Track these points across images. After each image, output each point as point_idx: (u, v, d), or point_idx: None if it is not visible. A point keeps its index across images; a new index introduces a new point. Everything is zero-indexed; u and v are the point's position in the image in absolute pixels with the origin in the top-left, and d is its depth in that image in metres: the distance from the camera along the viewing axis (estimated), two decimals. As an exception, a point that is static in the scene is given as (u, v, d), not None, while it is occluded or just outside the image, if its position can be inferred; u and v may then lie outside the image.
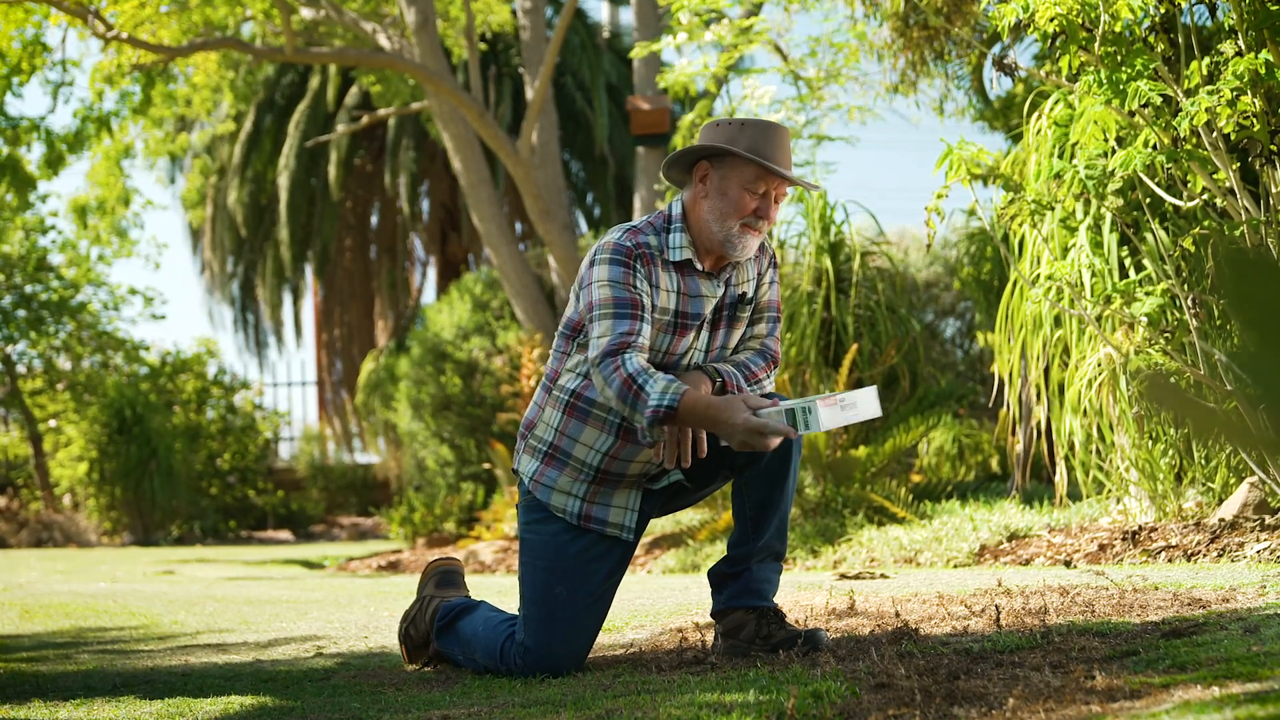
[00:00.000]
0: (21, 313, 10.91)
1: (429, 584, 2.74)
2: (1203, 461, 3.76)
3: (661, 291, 2.39)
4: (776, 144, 2.38)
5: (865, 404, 2.25)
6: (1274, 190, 3.38)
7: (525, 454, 2.51)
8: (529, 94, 8.19)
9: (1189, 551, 3.38)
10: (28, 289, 11.04)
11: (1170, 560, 3.39)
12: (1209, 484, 3.75)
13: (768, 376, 2.50)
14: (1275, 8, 3.17)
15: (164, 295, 11.97)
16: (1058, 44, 3.39)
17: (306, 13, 8.42)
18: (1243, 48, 3.23)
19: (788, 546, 2.59)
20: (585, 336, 2.42)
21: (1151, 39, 3.44)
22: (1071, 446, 4.13)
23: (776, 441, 2.19)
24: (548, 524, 2.48)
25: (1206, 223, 3.48)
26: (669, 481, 2.49)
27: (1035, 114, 4.19)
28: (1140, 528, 3.65)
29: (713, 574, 2.50)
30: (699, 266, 2.42)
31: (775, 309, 2.55)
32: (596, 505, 2.46)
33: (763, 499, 2.42)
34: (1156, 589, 2.71)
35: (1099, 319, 3.79)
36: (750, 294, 2.50)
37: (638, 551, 5.25)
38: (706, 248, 2.42)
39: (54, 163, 9.26)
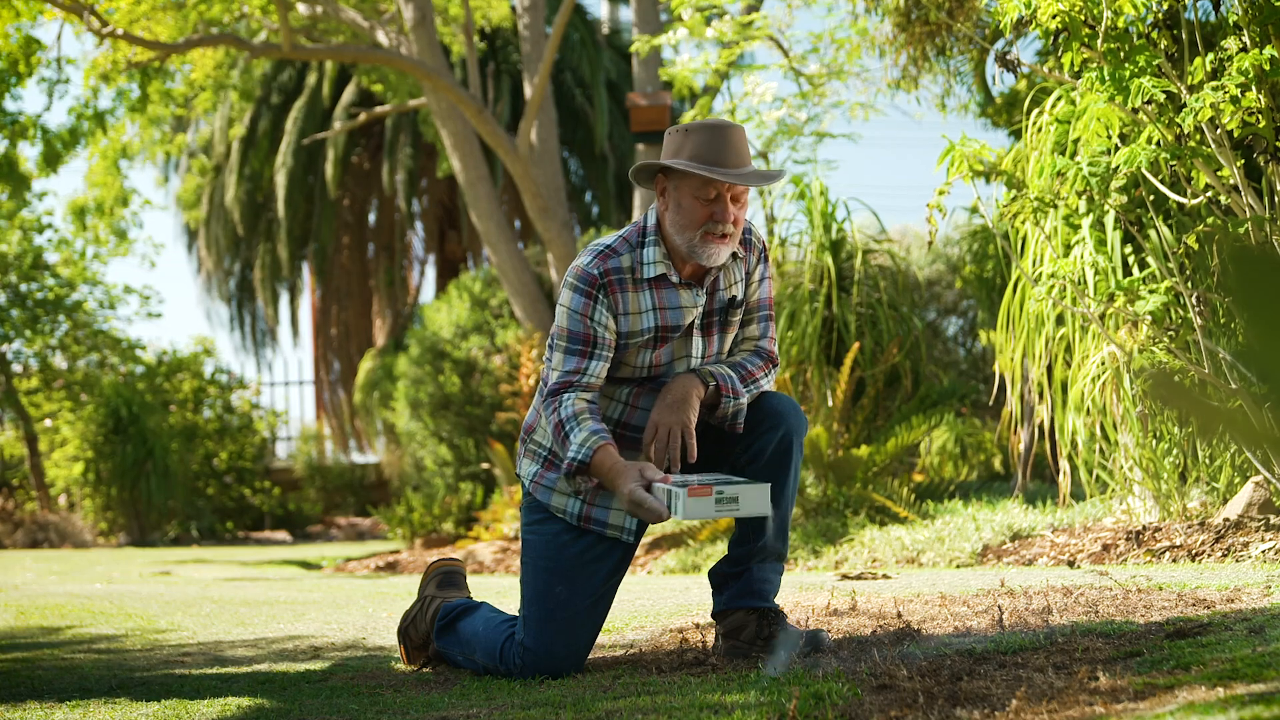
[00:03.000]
0: (16, 311, 10.87)
1: (430, 584, 2.73)
2: (1207, 461, 3.74)
3: (633, 316, 2.38)
4: (722, 145, 2.35)
5: (749, 501, 2.24)
6: (1279, 187, 3.35)
7: (525, 458, 2.52)
8: (528, 91, 8.17)
9: (1193, 551, 3.37)
10: (23, 287, 11.00)
11: (1174, 560, 3.37)
12: (1213, 483, 3.73)
13: (766, 376, 2.47)
14: (1279, 3, 3.15)
15: (160, 294, 11.96)
16: (1060, 40, 3.37)
17: (304, 9, 8.40)
18: (1247, 43, 3.21)
19: (789, 547, 2.57)
20: None
21: (1154, 35, 3.42)
22: (1075, 446, 4.11)
23: (656, 518, 2.23)
24: (548, 524, 2.47)
25: (1211, 220, 3.45)
26: None
27: (1037, 111, 4.17)
28: (1144, 528, 3.63)
29: (713, 574, 2.48)
30: (674, 279, 2.40)
31: (767, 306, 2.52)
32: (596, 507, 2.45)
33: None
34: (1160, 589, 2.70)
35: (1102, 317, 3.77)
36: (740, 296, 2.47)
37: (638, 552, 5.24)
38: (681, 258, 2.41)
39: (51, 160, 9.23)
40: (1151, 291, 3.49)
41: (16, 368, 11.09)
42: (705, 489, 2.20)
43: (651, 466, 2.27)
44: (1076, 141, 3.69)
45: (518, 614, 2.53)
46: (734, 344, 2.51)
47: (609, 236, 2.46)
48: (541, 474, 2.47)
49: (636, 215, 8.80)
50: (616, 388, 2.44)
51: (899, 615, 2.61)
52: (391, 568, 6.55)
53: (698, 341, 2.44)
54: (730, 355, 2.50)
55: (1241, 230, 3.31)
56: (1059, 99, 4.00)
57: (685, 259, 2.41)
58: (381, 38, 8.10)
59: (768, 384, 2.48)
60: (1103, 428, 4.01)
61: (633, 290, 2.38)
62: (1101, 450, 4.04)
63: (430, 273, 14.47)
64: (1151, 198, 3.68)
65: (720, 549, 4.80)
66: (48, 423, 10.91)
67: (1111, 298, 3.55)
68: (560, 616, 2.42)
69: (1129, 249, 3.90)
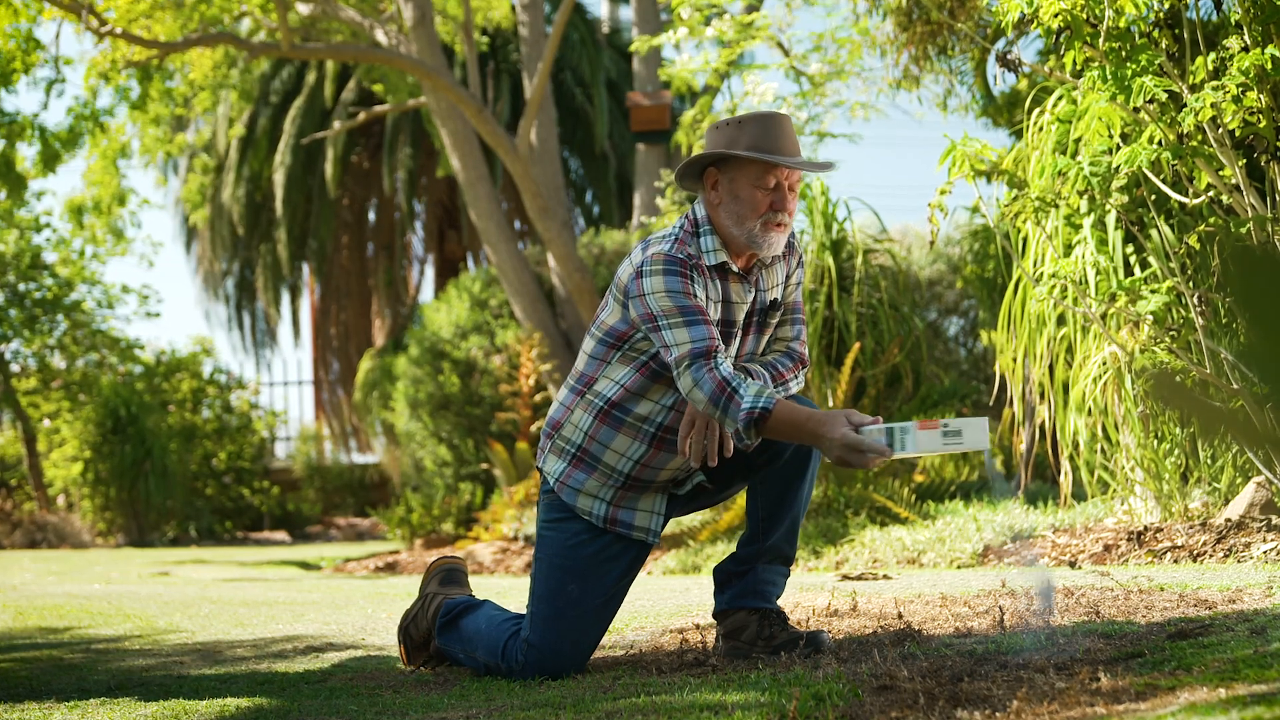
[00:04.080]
0: (15, 311, 10.86)
1: (433, 581, 2.72)
2: (1209, 461, 3.73)
3: (710, 303, 2.37)
4: (778, 134, 2.35)
5: (972, 434, 2.19)
6: (1280, 187, 3.35)
7: (551, 454, 2.47)
8: (527, 90, 8.16)
9: (1195, 552, 3.36)
10: (21, 287, 10.99)
11: (1176, 561, 3.36)
12: (1215, 484, 3.72)
13: (795, 378, 2.47)
14: (1281, 2, 3.14)
15: (158, 294, 11.95)
16: (1062, 39, 3.37)
17: (303, 8, 8.39)
18: (1249, 43, 3.21)
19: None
20: (632, 348, 2.38)
21: (1156, 34, 3.42)
22: (1076, 446, 4.10)
23: (876, 461, 2.15)
24: (569, 523, 2.46)
25: (1212, 219, 3.44)
26: (693, 484, 2.47)
27: (1039, 110, 4.16)
28: (1145, 528, 3.62)
29: (718, 571, 2.48)
30: (734, 268, 2.39)
31: (800, 309, 2.53)
32: (623, 509, 2.44)
33: (776, 500, 2.40)
34: (1162, 590, 2.69)
35: (1103, 317, 3.76)
36: (779, 298, 2.47)
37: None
38: (735, 250, 2.40)
39: (49, 161, 9.22)
40: (1153, 291, 3.48)
41: (15, 368, 11.08)
42: (932, 422, 2.15)
43: (856, 412, 2.21)
44: (1078, 141, 3.69)
45: (522, 612, 2.53)
46: (767, 344, 2.50)
47: (664, 230, 2.44)
48: (569, 474, 2.44)
49: (637, 215, 8.79)
50: (665, 391, 2.39)
51: (900, 616, 2.60)
52: (391, 568, 6.54)
53: (736, 340, 2.43)
54: (763, 355, 2.49)
55: (1243, 230, 3.30)
56: (1060, 98, 3.99)
57: (740, 251, 2.39)
58: (381, 37, 8.09)
59: (795, 386, 2.47)
60: (1104, 428, 4.00)
61: (706, 278, 2.37)
62: (1103, 451, 4.03)
63: (430, 272, 14.46)
64: (1153, 197, 3.67)
65: (720, 549, 4.79)
66: (46, 423, 10.89)
67: (1113, 298, 3.54)
68: (569, 615, 2.41)
69: (1130, 249, 3.89)
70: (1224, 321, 3.58)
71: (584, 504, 2.44)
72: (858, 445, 2.14)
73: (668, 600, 3.42)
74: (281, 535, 11.06)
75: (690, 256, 2.34)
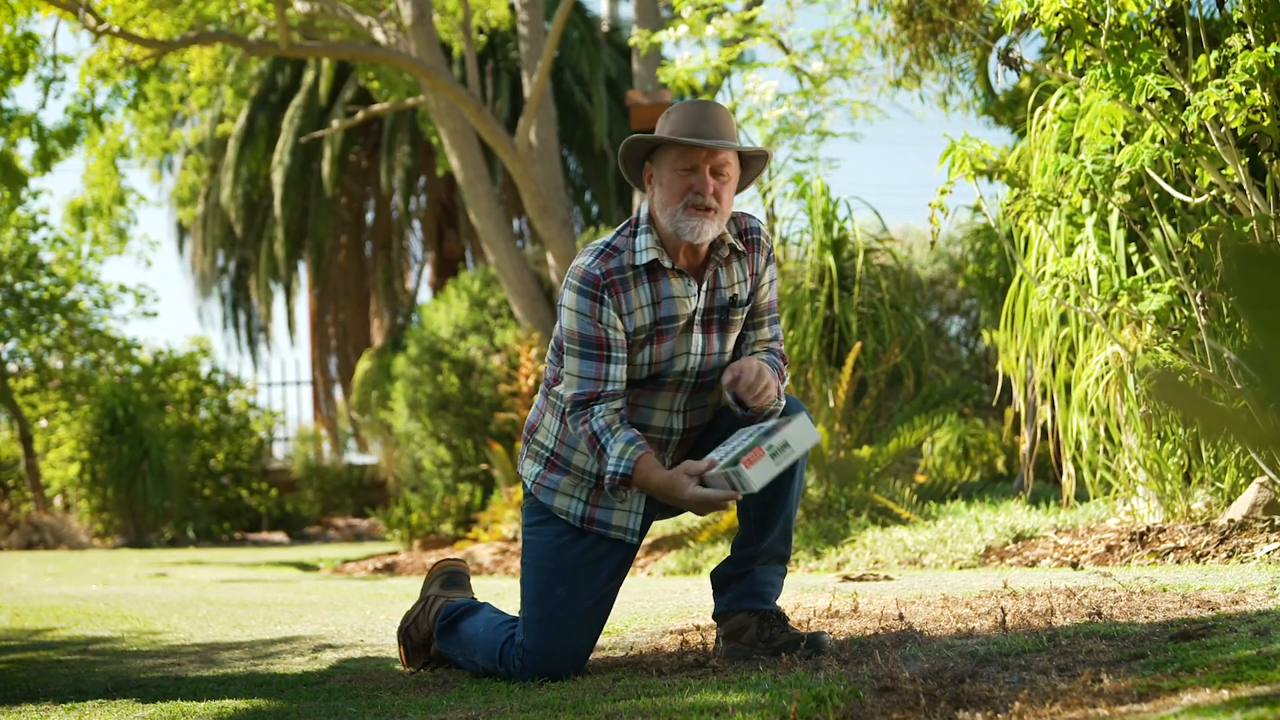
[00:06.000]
0: (11, 311, 10.83)
1: (434, 584, 2.71)
2: (1211, 461, 3.72)
3: (636, 312, 2.37)
4: (700, 119, 2.34)
5: (798, 437, 2.20)
6: (1283, 186, 3.33)
7: (528, 458, 2.51)
8: (527, 89, 8.14)
9: (1197, 553, 3.35)
10: (18, 287, 10.97)
11: (1178, 562, 3.35)
12: (1218, 484, 3.71)
13: (783, 378, 2.48)
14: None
15: (155, 293, 11.91)
16: (1063, 38, 3.35)
17: (301, 6, 8.37)
18: (1251, 41, 3.19)
19: (791, 549, 2.56)
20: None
21: (1158, 33, 3.41)
22: (1078, 446, 4.09)
23: (731, 503, 2.23)
24: (549, 525, 2.46)
25: (1215, 218, 3.43)
26: None
27: (1040, 109, 4.15)
28: (1148, 529, 3.61)
29: (715, 575, 2.46)
30: (667, 265, 2.38)
31: (774, 310, 2.52)
32: (600, 508, 2.44)
33: (767, 503, 2.38)
34: (1164, 591, 2.68)
35: (1106, 316, 3.75)
36: (742, 296, 2.44)
37: (638, 553, 5.20)
38: (674, 245, 2.39)
39: (46, 159, 9.21)
40: (1155, 291, 3.47)
41: (12, 367, 11.06)
42: (756, 452, 2.17)
43: (692, 462, 2.27)
44: (1080, 139, 3.68)
45: (518, 615, 2.52)
46: (746, 346, 2.49)
47: (607, 235, 2.45)
48: (544, 475, 2.46)
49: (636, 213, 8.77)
50: None
51: (901, 617, 2.59)
52: (389, 569, 6.52)
53: (698, 339, 2.41)
54: (744, 355, 2.48)
55: (1246, 229, 3.29)
56: (1062, 97, 3.98)
57: (676, 245, 2.38)
58: (379, 35, 8.07)
59: (782, 385, 2.48)
60: (1106, 428, 3.99)
61: (634, 287, 2.37)
62: (1105, 451, 4.02)
63: (428, 272, 14.44)
64: (1155, 196, 3.66)
65: (721, 550, 4.77)
66: (43, 423, 10.87)
67: (1115, 297, 3.53)
68: (559, 618, 2.40)
69: (1133, 248, 3.88)
70: (1227, 321, 3.57)
71: (561, 503, 2.45)
72: (708, 499, 2.23)
73: (668, 601, 3.40)
74: (280, 536, 11.04)
75: (610, 272, 2.35)
